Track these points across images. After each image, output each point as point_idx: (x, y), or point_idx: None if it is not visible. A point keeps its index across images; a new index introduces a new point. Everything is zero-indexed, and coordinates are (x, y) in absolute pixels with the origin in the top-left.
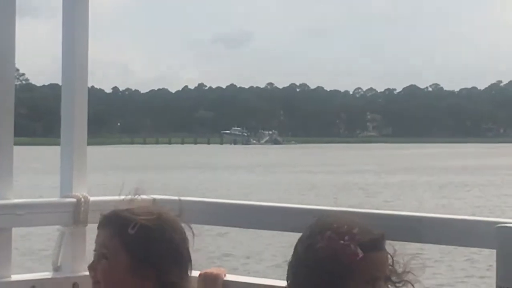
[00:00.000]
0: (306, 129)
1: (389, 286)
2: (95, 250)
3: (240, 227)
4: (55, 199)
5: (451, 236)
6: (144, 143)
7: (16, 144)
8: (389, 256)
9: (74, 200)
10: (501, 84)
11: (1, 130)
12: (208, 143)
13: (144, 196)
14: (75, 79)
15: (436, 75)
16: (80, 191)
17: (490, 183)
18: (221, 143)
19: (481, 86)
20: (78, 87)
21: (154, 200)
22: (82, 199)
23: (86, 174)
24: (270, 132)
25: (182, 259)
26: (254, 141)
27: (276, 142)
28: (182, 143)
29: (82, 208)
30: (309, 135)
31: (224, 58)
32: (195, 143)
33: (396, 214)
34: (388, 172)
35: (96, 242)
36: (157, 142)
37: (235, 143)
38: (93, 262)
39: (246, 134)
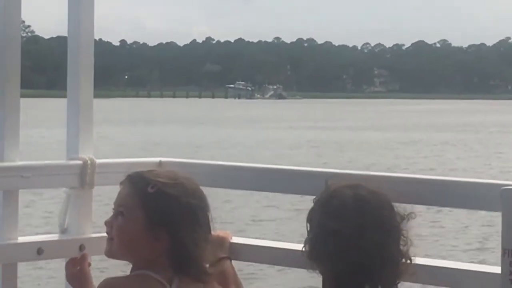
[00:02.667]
0: (312, 84)
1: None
2: (114, 208)
3: (249, 189)
4: (61, 161)
5: (457, 198)
6: (149, 96)
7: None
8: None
9: (80, 162)
10: (510, 41)
11: (7, 92)
12: (213, 97)
13: (150, 159)
14: (81, 33)
15: (444, 31)
16: (87, 154)
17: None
18: (226, 97)
19: (490, 42)
20: (84, 43)
21: (160, 162)
22: (89, 162)
23: (92, 136)
24: (275, 87)
25: (199, 226)
26: (259, 96)
27: (280, 96)
28: (187, 97)
29: (89, 171)
30: (316, 90)
31: (235, 12)
32: (200, 97)
33: (402, 176)
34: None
35: (116, 200)
36: (161, 96)
37: (239, 98)
38: (110, 218)
39: (250, 89)
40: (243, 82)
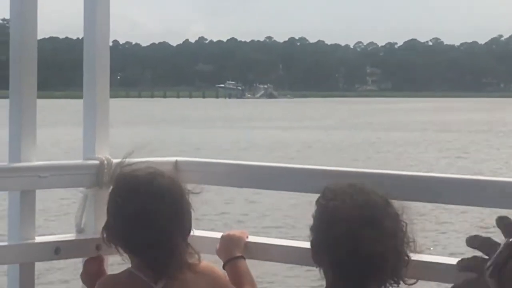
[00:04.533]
0: (304, 83)
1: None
2: None
3: (267, 189)
4: (78, 161)
5: (469, 196)
6: (139, 96)
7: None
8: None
9: (97, 162)
10: (502, 38)
11: (24, 92)
12: (204, 97)
13: (166, 158)
14: (96, 33)
15: (437, 29)
16: (103, 153)
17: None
18: (217, 97)
19: (482, 40)
20: (100, 42)
21: (176, 161)
22: (105, 161)
23: (108, 136)
24: (266, 86)
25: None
26: (249, 95)
27: (271, 96)
28: (178, 97)
29: (106, 170)
30: (308, 89)
31: (229, 12)
32: (190, 97)
33: (414, 175)
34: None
35: None
36: (152, 96)
37: (230, 97)
38: None
39: (240, 88)
40: (233, 82)
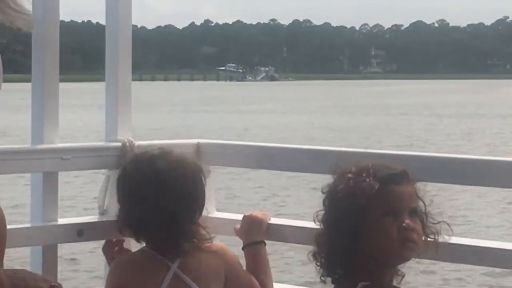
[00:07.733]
0: (308, 66)
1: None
2: None
3: (289, 171)
4: (100, 143)
5: (492, 177)
6: (141, 80)
7: (11, 80)
8: (415, 191)
9: (119, 144)
10: (508, 20)
11: (47, 75)
12: (205, 80)
13: (188, 140)
14: (119, 17)
15: (443, 11)
16: (125, 135)
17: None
18: (218, 80)
19: (488, 21)
20: (123, 28)
21: (198, 143)
22: (127, 143)
23: (131, 118)
24: (267, 69)
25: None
26: (250, 78)
27: (272, 78)
28: (179, 80)
29: (128, 152)
30: (312, 72)
31: None
32: (192, 80)
33: (433, 156)
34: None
35: None
36: (153, 79)
37: (230, 80)
38: None
39: (241, 71)
40: (233, 64)
